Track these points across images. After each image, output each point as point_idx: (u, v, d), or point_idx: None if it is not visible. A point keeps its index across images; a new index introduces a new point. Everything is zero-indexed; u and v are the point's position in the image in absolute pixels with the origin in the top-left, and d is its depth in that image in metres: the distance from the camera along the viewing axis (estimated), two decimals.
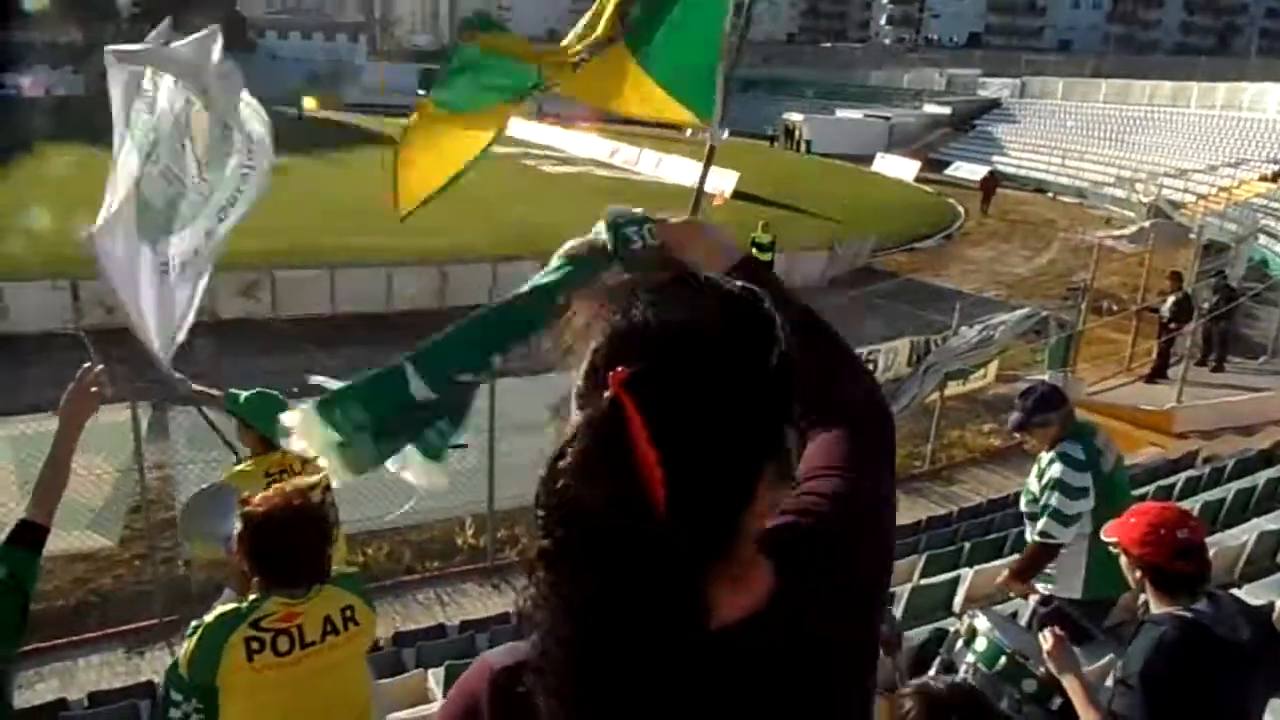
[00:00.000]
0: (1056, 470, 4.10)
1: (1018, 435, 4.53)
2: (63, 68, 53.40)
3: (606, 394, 0.71)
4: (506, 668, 0.90)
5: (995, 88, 50.74)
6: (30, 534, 2.29)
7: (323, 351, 12.66)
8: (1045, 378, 12.00)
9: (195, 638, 2.44)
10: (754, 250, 18.65)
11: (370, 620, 2.68)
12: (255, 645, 2.39)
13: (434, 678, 4.73)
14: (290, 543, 2.45)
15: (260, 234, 19.25)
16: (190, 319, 4.18)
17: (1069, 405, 4.30)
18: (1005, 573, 4.41)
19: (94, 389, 2.46)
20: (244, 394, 4.17)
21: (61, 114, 36.55)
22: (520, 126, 44.80)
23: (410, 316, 14.26)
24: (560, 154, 41.88)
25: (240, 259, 16.23)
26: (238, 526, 2.47)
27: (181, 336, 4.20)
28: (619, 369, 0.72)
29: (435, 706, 4.16)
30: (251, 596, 2.50)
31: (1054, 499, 4.08)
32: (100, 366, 2.50)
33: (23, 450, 6.23)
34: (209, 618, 2.47)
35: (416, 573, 7.96)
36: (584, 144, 42.54)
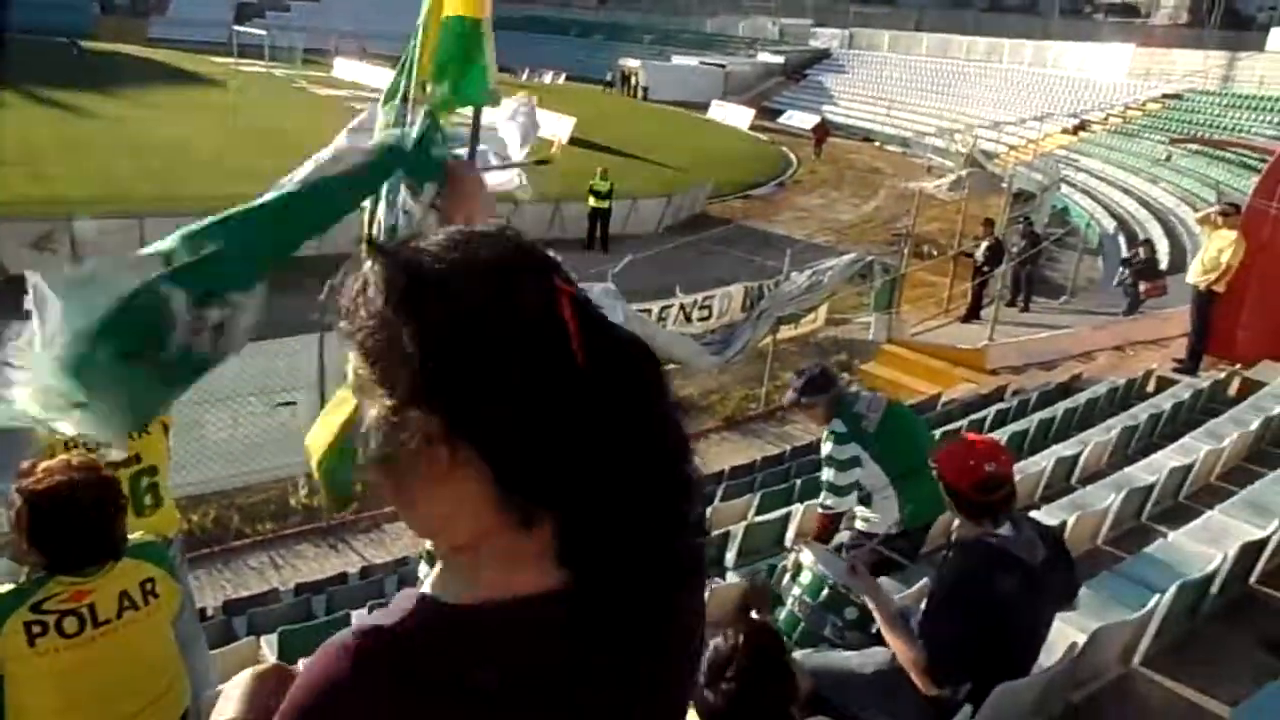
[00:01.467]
0: (827, 448, 4.47)
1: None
2: None
3: (561, 312, 0.82)
4: (375, 628, 0.78)
5: (825, 38, 52.00)
6: None
7: None
8: (871, 321, 12.63)
9: None
10: (591, 198, 18.56)
11: (173, 590, 2.51)
12: (37, 629, 2.19)
13: (267, 644, 4.56)
14: (74, 524, 2.21)
15: (54, 180, 17.78)
16: None
17: (836, 389, 4.55)
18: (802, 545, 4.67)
19: None
20: None
21: None
22: (343, 66, 43.06)
23: None
24: (334, 80, 40.59)
25: (31, 208, 14.89)
26: (16, 500, 2.21)
27: None
28: (566, 289, 0.84)
29: None
30: (35, 574, 2.27)
31: (828, 474, 4.45)
32: None
33: None
34: None
35: (247, 537, 7.62)
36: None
